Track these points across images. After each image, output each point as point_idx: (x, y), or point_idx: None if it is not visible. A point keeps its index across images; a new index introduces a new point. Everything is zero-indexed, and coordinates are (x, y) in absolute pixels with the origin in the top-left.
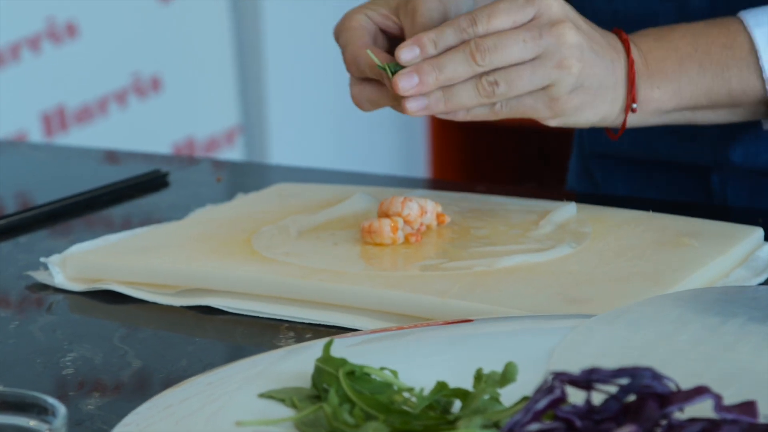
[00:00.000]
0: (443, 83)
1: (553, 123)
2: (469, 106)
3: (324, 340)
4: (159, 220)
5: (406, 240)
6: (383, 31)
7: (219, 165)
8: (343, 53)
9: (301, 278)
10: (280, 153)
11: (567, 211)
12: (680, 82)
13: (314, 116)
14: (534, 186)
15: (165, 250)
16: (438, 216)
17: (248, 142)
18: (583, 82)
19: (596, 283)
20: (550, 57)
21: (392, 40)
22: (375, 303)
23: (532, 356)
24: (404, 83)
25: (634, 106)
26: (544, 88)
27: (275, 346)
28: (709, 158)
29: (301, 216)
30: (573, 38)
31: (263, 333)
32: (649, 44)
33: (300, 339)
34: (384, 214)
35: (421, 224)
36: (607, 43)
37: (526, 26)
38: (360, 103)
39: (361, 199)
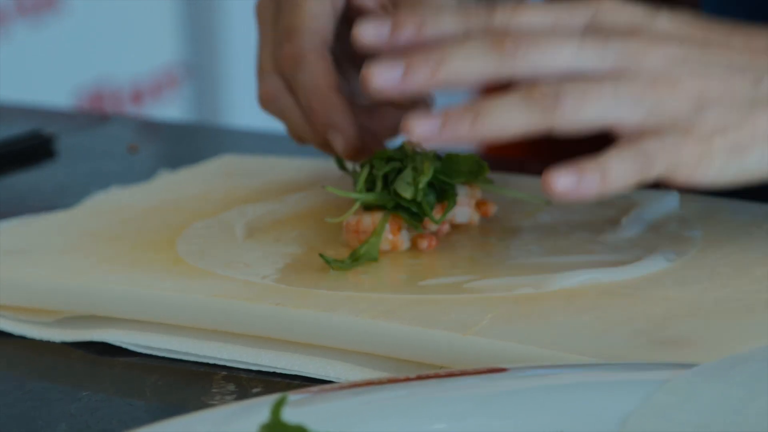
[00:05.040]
0: (447, 81)
1: (704, 177)
2: (512, 129)
3: (275, 397)
4: (35, 210)
5: (414, 245)
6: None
7: (136, 126)
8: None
9: (249, 300)
10: (244, 107)
11: (665, 204)
12: None
13: None
14: None
15: (41, 256)
16: (480, 204)
17: (197, 90)
18: (707, 105)
19: (702, 315)
20: (633, 75)
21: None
22: (359, 341)
23: (596, 427)
24: (380, 76)
25: None
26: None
27: (206, 406)
28: None
29: (253, 206)
30: (659, 50)
31: (188, 385)
32: None
33: (244, 395)
34: None
35: (444, 223)
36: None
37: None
38: None
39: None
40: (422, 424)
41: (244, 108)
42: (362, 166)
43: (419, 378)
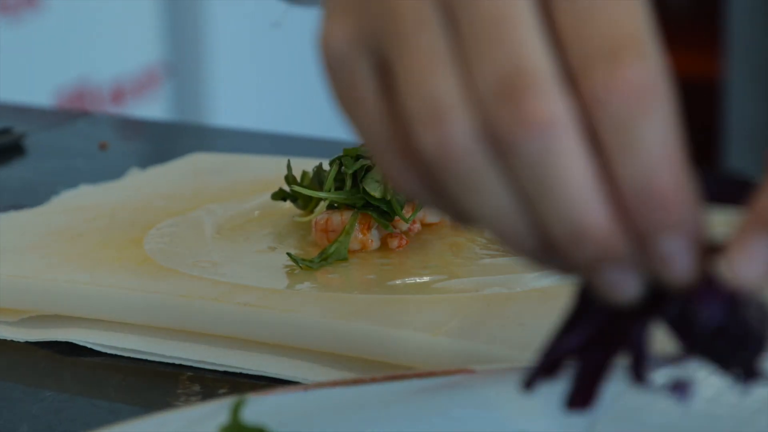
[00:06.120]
0: None
1: None
2: None
3: (236, 399)
4: (2, 208)
5: (384, 244)
6: None
7: (109, 123)
8: None
9: (215, 300)
10: (226, 106)
11: None
12: None
13: (280, 48)
14: None
15: (7, 255)
16: None
17: (179, 89)
18: None
19: None
20: None
21: None
22: (327, 341)
23: (564, 428)
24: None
25: None
26: None
27: (171, 406)
28: None
29: (222, 204)
30: None
31: (153, 386)
32: None
33: (209, 395)
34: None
35: (414, 222)
36: None
37: None
38: None
39: None
40: (387, 424)
41: (226, 107)
42: (331, 164)
43: (386, 378)
